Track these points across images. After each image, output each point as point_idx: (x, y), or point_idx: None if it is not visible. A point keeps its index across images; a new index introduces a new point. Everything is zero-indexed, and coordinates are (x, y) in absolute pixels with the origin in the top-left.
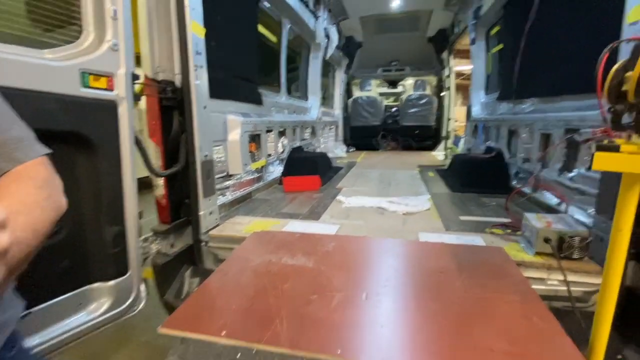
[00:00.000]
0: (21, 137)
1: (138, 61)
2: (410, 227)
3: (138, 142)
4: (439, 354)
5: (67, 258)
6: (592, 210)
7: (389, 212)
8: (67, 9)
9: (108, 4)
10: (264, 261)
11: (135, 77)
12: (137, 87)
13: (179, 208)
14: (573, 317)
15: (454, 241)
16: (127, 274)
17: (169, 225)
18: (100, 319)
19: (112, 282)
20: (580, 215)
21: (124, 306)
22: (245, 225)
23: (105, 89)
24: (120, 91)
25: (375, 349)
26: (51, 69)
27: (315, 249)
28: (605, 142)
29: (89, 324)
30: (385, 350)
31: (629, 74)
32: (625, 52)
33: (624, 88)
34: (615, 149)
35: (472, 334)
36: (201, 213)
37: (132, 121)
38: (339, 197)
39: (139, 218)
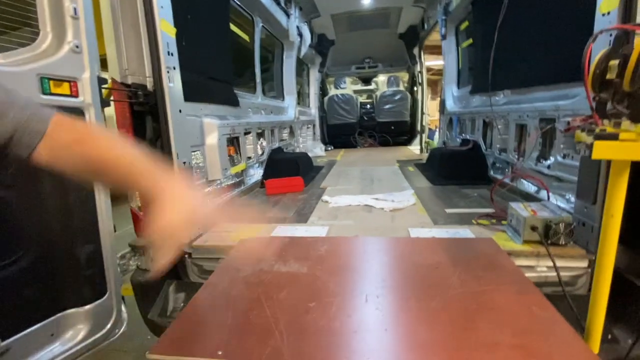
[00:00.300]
0: (27, 103)
1: (104, 64)
2: (400, 224)
3: None
4: (448, 353)
5: (36, 284)
6: (570, 196)
7: (376, 209)
8: (20, 8)
9: (67, 1)
10: (256, 270)
11: (102, 81)
12: (104, 92)
13: None
14: (563, 301)
15: (444, 235)
16: (106, 296)
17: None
18: (77, 348)
19: (88, 307)
20: (560, 202)
21: (103, 331)
22: (230, 233)
23: (69, 95)
24: (86, 97)
25: (382, 354)
26: (4, 75)
27: (308, 253)
28: (597, 130)
29: (65, 354)
30: (393, 355)
31: (612, 62)
32: (601, 42)
33: (607, 76)
34: (614, 137)
35: (476, 329)
36: None
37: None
38: (325, 197)
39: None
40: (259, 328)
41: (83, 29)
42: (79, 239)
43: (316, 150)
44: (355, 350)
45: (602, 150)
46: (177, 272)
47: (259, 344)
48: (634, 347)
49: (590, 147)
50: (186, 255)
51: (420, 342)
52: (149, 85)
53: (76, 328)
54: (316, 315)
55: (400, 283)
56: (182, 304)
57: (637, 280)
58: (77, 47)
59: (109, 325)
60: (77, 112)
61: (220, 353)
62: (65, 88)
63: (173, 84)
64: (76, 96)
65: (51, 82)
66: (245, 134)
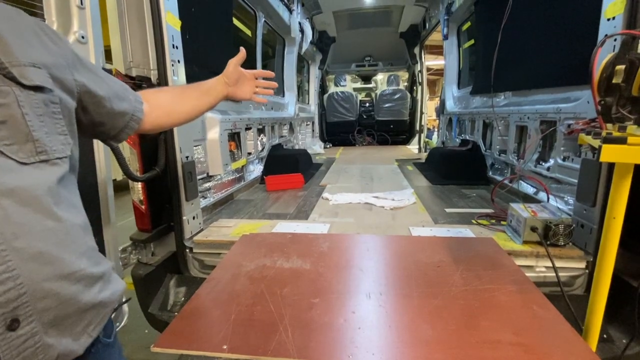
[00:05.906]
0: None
1: (108, 56)
2: (401, 222)
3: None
4: (451, 350)
5: None
6: (568, 198)
7: (377, 207)
8: None
9: None
10: (258, 266)
11: (106, 72)
12: None
13: (160, 214)
14: (560, 301)
15: (445, 234)
16: None
17: (149, 232)
18: None
19: None
20: (559, 204)
21: None
22: (231, 228)
23: None
24: None
25: (387, 350)
26: None
27: (310, 249)
28: (604, 133)
29: None
30: (397, 352)
31: (618, 67)
32: (604, 46)
33: (614, 81)
34: (623, 140)
35: (478, 327)
36: (184, 218)
37: None
38: (325, 195)
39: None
40: (264, 323)
41: (89, 19)
42: None
43: (315, 147)
44: (359, 346)
45: (610, 153)
46: (178, 266)
47: (264, 338)
48: (629, 346)
49: (595, 150)
50: (187, 250)
51: (423, 339)
52: (153, 78)
53: None
54: (320, 311)
55: (403, 280)
56: (182, 298)
57: (633, 281)
58: (82, 37)
59: None
60: None
61: (225, 347)
62: None
63: (177, 77)
64: None
65: None
66: (247, 129)
